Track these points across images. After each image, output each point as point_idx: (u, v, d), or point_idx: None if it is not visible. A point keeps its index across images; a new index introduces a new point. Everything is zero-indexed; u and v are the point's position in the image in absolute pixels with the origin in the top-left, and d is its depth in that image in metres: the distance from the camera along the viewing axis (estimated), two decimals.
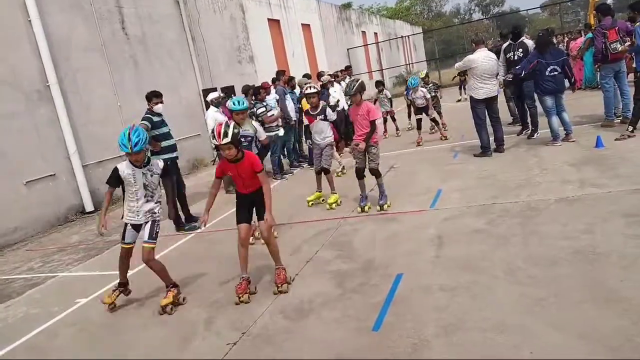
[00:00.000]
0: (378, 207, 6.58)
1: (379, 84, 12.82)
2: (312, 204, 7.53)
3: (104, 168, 10.48)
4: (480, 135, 8.62)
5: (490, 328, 3.37)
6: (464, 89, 17.40)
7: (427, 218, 5.95)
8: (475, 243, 4.92)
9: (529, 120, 9.56)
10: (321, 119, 7.39)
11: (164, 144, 7.23)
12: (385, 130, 12.90)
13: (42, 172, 9.24)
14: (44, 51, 9.47)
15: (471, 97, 8.65)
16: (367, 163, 6.55)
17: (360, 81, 6.53)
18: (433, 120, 11.49)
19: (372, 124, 6.36)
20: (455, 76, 19.06)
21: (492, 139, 8.65)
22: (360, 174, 6.64)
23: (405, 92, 12.81)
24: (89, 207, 9.89)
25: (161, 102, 7.29)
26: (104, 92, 10.93)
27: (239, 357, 3.65)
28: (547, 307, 3.52)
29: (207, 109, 13.40)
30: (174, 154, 7.43)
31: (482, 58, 8.33)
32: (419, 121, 11.19)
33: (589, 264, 4.04)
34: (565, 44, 16.73)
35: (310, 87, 7.52)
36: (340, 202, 7.26)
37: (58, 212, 9.48)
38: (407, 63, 37.69)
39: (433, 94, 11.98)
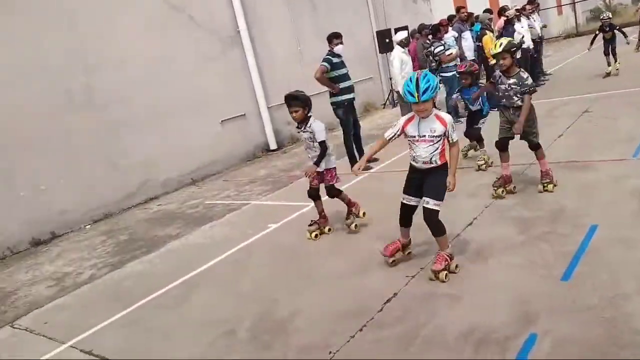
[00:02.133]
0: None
1: None
2: None
3: (285, 111, 11.13)
4: None
5: None
6: None
7: (629, 168, 5.28)
8: None
9: None
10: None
11: (343, 85, 7.39)
12: None
13: (234, 112, 10.25)
14: None
15: None
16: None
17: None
18: None
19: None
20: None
21: None
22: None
23: None
24: (273, 145, 10.77)
25: (341, 43, 7.41)
26: (286, 37, 11.52)
27: (418, 289, 3.76)
28: None
29: (380, 52, 13.51)
30: (352, 95, 7.58)
31: None
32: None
33: None
34: None
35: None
36: None
37: (247, 149, 10.51)
38: None
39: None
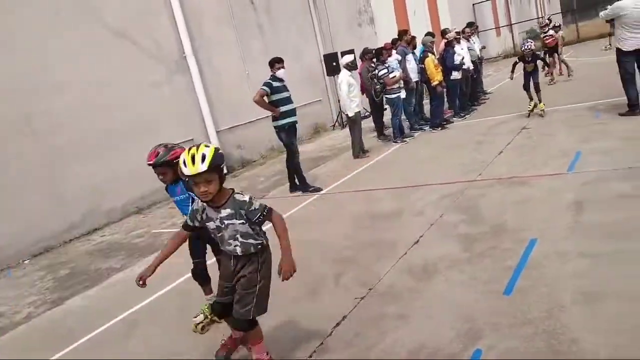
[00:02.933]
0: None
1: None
2: None
3: (235, 133, 11.17)
4: (627, 92, 7.72)
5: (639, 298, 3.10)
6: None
7: (564, 182, 5.53)
8: (621, 209, 4.49)
9: None
10: None
11: (284, 108, 7.43)
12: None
13: (181, 137, 10.04)
14: (181, 23, 10.15)
15: (618, 49, 7.75)
16: None
17: None
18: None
19: None
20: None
21: None
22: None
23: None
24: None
25: (283, 68, 7.51)
26: (234, 60, 11.51)
27: (367, 311, 3.76)
28: None
29: (328, 75, 13.71)
30: (293, 119, 7.61)
31: (634, 4, 7.37)
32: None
33: None
34: None
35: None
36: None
37: None
38: (540, 16, 34.62)
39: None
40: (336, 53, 13.21)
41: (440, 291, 3.83)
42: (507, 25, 29.39)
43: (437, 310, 3.57)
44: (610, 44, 17.27)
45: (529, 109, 9.46)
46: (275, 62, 7.52)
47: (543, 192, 5.41)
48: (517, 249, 4.15)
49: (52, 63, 8.04)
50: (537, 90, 9.37)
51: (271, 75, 7.49)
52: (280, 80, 7.48)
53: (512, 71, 9.98)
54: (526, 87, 9.52)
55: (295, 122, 7.72)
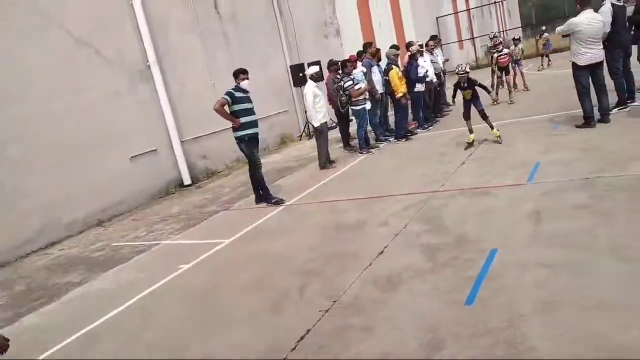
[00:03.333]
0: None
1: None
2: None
3: (200, 144, 11.04)
4: (583, 105, 8.01)
5: (594, 306, 3.20)
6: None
7: (524, 192, 5.67)
8: (577, 219, 4.63)
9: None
10: None
11: (244, 119, 7.33)
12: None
13: (144, 148, 9.90)
14: (145, 32, 10.00)
15: (573, 64, 8.04)
16: None
17: None
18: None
19: None
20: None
21: (596, 108, 8.02)
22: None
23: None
24: (187, 180, 10.48)
25: (247, 79, 7.45)
26: (199, 70, 11.41)
27: (332, 324, 3.74)
28: None
29: (294, 85, 13.74)
30: (254, 130, 7.51)
31: (587, 21, 7.67)
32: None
33: None
34: None
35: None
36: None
37: (159, 185, 10.14)
38: (501, 30, 35.68)
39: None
40: (303, 64, 13.25)
41: (404, 302, 3.85)
42: (469, 39, 30.16)
43: (400, 320, 3.59)
44: (542, 65, 19.14)
45: (467, 141, 8.40)
46: (240, 73, 7.46)
47: (504, 202, 5.53)
48: (478, 259, 4.22)
49: (10, 71, 7.79)
50: (484, 117, 8.26)
51: (235, 85, 7.45)
52: (244, 91, 7.43)
53: (453, 96, 8.85)
54: (466, 117, 8.40)
55: (256, 134, 7.60)
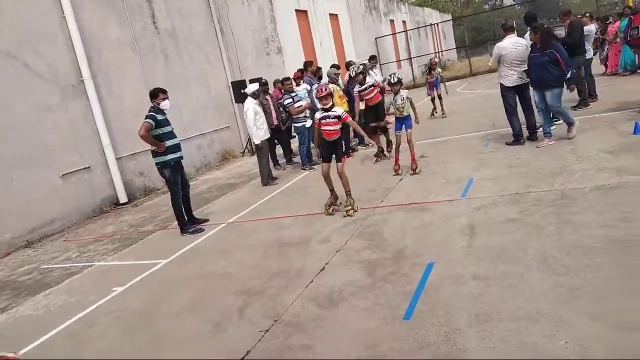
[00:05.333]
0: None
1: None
2: None
3: (137, 160, 10.71)
4: (511, 124, 8.44)
5: (524, 317, 3.33)
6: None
7: (459, 207, 5.87)
8: (508, 232, 4.84)
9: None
10: None
11: (169, 143, 6.92)
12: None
13: (77, 165, 9.48)
14: (78, 47, 9.68)
15: (501, 85, 8.47)
16: None
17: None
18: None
19: None
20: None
21: (524, 127, 8.47)
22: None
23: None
24: (123, 198, 10.12)
25: (167, 98, 7.01)
26: (136, 85, 11.12)
27: (272, 344, 3.69)
28: (582, 296, 3.44)
29: (236, 102, 13.64)
30: (178, 154, 7.10)
31: (512, 45, 8.13)
32: None
33: (628, 253, 3.92)
34: (600, 28, 16.08)
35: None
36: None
37: (93, 204, 9.73)
38: (437, 51, 37.16)
39: None
40: (244, 80, 13.20)
41: (344, 319, 3.86)
42: (407, 59, 31.18)
43: (341, 338, 3.59)
44: (435, 110, 13.96)
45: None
46: (160, 92, 6.94)
47: (439, 217, 5.70)
48: (416, 274, 4.31)
49: None
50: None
51: (153, 107, 6.89)
52: (163, 112, 6.95)
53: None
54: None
55: (181, 157, 7.17)
